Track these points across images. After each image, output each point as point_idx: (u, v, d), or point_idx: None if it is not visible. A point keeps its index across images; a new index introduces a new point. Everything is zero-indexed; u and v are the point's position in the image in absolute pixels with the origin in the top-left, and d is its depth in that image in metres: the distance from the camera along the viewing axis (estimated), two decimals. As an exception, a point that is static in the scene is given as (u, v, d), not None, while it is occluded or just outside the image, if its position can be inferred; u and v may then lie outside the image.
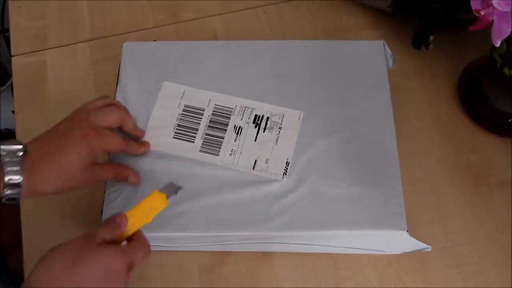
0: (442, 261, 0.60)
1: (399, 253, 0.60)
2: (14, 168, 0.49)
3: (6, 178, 0.48)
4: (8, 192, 0.49)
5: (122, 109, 0.59)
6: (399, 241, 0.57)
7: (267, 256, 0.61)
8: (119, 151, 0.58)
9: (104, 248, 0.45)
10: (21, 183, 0.49)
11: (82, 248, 0.45)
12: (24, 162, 0.49)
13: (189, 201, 0.57)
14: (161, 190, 0.52)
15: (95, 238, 0.46)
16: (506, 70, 0.60)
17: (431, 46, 0.66)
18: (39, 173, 0.51)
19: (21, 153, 0.49)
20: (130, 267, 0.46)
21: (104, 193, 0.59)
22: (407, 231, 0.55)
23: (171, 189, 0.53)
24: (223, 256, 0.61)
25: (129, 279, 0.46)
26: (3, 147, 0.49)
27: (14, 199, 0.50)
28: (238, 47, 0.67)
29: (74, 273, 0.43)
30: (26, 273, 0.61)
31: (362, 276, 0.60)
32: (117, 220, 0.48)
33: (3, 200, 0.50)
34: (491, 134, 0.67)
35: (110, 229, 0.47)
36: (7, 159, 0.49)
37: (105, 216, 0.57)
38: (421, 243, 0.56)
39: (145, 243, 0.49)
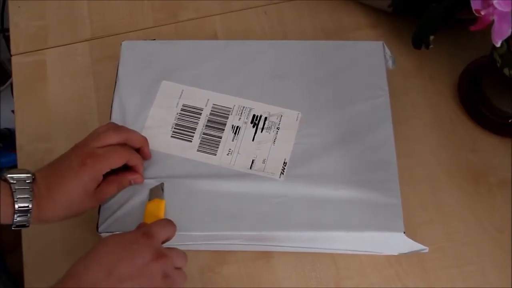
0: (442, 261, 0.60)
1: (396, 253, 0.60)
2: (24, 196, 0.50)
3: (16, 206, 0.50)
4: (18, 219, 0.50)
5: (122, 130, 0.58)
6: (396, 242, 0.57)
7: (267, 256, 0.61)
8: (124, 162, 0.56)
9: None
10: (30, 209, 0.50)
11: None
12: (33, 190, 0.51)
13: (186, 200, 0.57)
14: (150, 199, 0.54)
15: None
16: (506, 70, 0.60)
17: (431, 46, 0.66)
18: (46, 202, 0.52)
19: (29, 181, 0.51)
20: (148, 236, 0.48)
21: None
22: (404, 232, 0.55)
23: (156, 190, 0.55)
24: (223, 256, 0.61)
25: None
26: (13, 175, 0.51)
27: (23, 225, 0.52)
28: (237, 47, 0.66)
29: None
30: (26, 274, 0.61)
31: (362, 276, 0.60)
32: None
33: (13, 226, 0.51)
34: (491, 134, 0.67)
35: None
36: (17, 187, 0.50)
37: (102, 213, 0.57)
38: (418, 244, 0.56)
39: (163, 220, 0.52)
